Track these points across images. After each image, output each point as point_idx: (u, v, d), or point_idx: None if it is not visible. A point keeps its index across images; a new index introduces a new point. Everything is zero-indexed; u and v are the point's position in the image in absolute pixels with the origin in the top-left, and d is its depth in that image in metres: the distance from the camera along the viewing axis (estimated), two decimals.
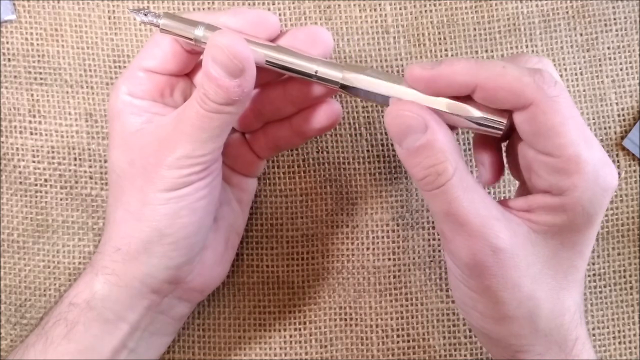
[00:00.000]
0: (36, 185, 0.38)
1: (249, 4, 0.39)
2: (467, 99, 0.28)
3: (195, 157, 0.30)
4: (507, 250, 0.27)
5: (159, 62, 0.31)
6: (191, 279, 0.33)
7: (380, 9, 0.39)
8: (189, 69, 0.33)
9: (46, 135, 0.38)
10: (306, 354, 0.38)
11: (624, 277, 0.38)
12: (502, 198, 0.38)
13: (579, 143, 0.27)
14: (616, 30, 0.39)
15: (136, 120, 0.31)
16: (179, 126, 0.30)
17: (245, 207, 0.37)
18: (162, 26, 0.30)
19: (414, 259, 0.38)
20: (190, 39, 0.30)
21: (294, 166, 0.38)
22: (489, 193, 0.38)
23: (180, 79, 0.33)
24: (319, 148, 0.38)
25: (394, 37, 0.39)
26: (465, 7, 0.39)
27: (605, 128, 0.38)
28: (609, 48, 0.39)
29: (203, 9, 0.39)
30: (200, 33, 0.30)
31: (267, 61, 0.30)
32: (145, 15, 0.30)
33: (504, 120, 0.28)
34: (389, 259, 0.38)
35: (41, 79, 0.38)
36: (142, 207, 0.30)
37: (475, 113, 0.28)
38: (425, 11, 0.39)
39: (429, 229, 0.38)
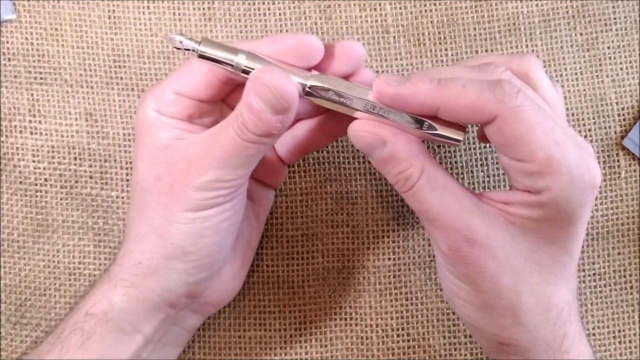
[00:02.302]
0: (36, 184, 0.38)
1: (249, 3, 0.39)
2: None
3: (224, 182, 0.30)
4: (481, 240, 0.29)
5: (190, 90, 0.31)
6: (208, 294, 0.34)
7: (380, 9, 0.39)
8: (221, 97, 0.33)
9: (46, 134, 0.38)
10: (306, 353, 0.38)
11: (624, 276, 0.38)
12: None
13: (549, 147, 0.27)
14: (616, 30, 0.39)
15: (165, 135, 0.31)
16: (211, 150, 0.30)
17: (261, 222, 0.37)
18: (200, 52, 0.29)
19: (414, 258, 0.38)
20: (230, 66, 0.29)
21: (294, 166, 0.38)
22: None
23: (212, 102, 0.33)
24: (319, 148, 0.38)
25: (394, 37, 0.39)
26: (465, 7, 0.39)
27: (605, 128, 0.38)
28: (609, 48, 0.39)
29: (203, 8, 0.39)
30: (241, 61, 0.29)
31: (307, 92, 0.30)
32: (182, 42, 0.29)
33: (460, 138, 0.30)
34: (389, 259, 0.38)
35: (41, 78, 0.38)
36: (167, 224, 0.30)
37: (435, 129, 0.30)
38: (426, 11, 0.39)
39: None
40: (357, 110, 0.30)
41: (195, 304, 0.34)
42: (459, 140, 0.30)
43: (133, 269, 0.31)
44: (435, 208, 0.29)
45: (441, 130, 0.30)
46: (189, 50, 0.29)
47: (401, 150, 0.29)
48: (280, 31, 0.39)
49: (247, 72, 0.29)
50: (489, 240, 0.29)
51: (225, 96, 0.33)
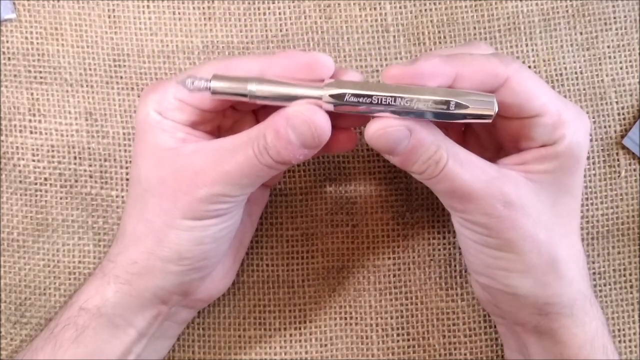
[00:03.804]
0: (36, 184, 0.38)
1: (249, 3, 0.39)
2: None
3: (229, 197, 0.30)
4: (516, 201, 0.29)
5: (193, 99, 0.31)
6: (199, 291, 0.34)
7: (380, 8, 0.39)
8: (225, 107, 0.32)
9: (46, 134, 0.38)
10: (306, 353, 0.38)
11: (624, 275, 0.38)
12: None
13: (555, 100, 0.30)
14: (616, 29, 0.39)
15: (169, 137, 0.31)
16: (223, 164, 0.30)
17: (255, 220, 0.37)
18: (213, 90, 0.29)
19: (413, 257, 0.38)
20: (244, 96, 0.29)
21: (294, 165, 0.38)
22: None
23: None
24: None
25: (394, 36, 0.39)
26: (465, 6, 0.39)
27: (605, 127, 0.38)
28: (608, 47, 0.39)
29: (202, 7, 0.39)
30: (253, 89, 0.29)
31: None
32: (193, 83, 0.29)
33: (492, 112, 0.29)
34: (389, 258, 0.38)
35: (41, 77, 0.38)
36: (166, 229, 0.30)
37: (466, 106, 0.29)
38: (425, 10, 0.39)
39: (428, 228, 0.38)
40: (379, 109, 0.29)
41: (187, 301, 0.34)
42: (490, 116, 0.29)
43: (128, 267, 0.31)
44: (467, 182, 0.29)
45: (472, 107, 0.28)
46: (201, 90, 0.29)
47: (427, 135, 0.29)
48: (280, 30, 0.39)
49: (260, 98, 0.29)
50: (520, 200, 0.29)
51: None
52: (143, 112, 0.31)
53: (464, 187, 0.29)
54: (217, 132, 0.34)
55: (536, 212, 0.30)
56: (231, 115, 0.33)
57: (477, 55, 0.29)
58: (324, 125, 0.29)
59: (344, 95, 0.28)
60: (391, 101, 0.28)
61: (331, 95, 0.28)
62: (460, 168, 0.29)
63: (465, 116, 0.28)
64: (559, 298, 0.31)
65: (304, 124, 0.28)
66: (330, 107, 0.29)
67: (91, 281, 0.32)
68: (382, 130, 0.29)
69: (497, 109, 0.28)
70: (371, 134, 0.29)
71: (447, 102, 0.28)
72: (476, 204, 0.29)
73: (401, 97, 0.28)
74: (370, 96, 0.28)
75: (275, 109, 0.29)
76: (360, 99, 0.28)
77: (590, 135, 0.38)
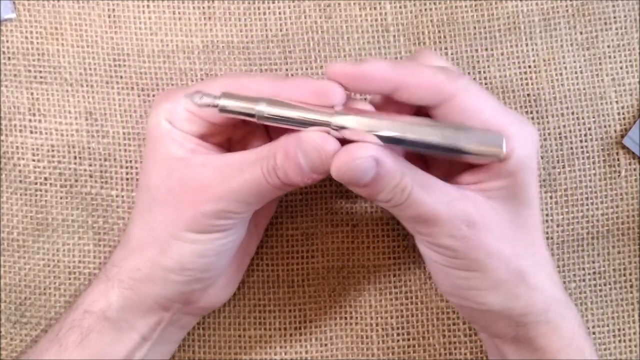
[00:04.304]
0: (36, 183, 0.38)
1: (249, 2, 0.39)
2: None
3: (235, 213, 0.30)
4: (478, 220, 0.30)
5: (204, 113, 0.31)
6: (202, 300, 0.34)
7: (380, 8, 0.39)
8: (235, 121, 0.32)
9: (46, 133, 0.38)
10: (306, 352, 0.38)
11: (624, 275, 0.38)
12: None
13: (499, 115, 0.30)
14: (616, 29, 0.39)
15: (179, 147, 0.31)
16: (231, 181, 0.30)
17: (261, 230, 0.37)
18: (221, 107, 0.29)
19: (414, 257, 0.38)
20: (252, 116, 0.29)
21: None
22: None
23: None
24: None
25: (394, 36, 0.39)
26: (465, 6, 0.39)
27: (605, 126, 0.38)
28: (609, 46, 0.39)
29: (202, 7, 0.39)
30: (262, 109, 0.29)
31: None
32: (201, 98, 0.29)
33: (502, 140, 0.29)
34: (389, 258, 0.38)
35: (41, 77, 0.38)
36: (170, 240, 0.31)
37: (471, 140, 0.29)
38: (425, 10, 0.39)
39: None
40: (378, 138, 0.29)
41: (188, 308, 0.34)
42: (498, 157, 0.29)
43: (131, 273, 0.32)
44: (431, 207, 0.29)
45: (481, 146, 0.29)
46: (209, 106, 0.29)
47: (392, 163, 0.29)
48: (280, 30, 0.39)
49: (268, 119, 0.29)
50: (482, 218, 0.30)
51: None
52: (155, 120, 0.31)
53: (428, 212, 0.29)
54: (228, 144, 0.34)
55: (498, 228, 0.30)
56: (242, 128, 0.33)
57: (425, 68, 0.29)
58: (334, 153, 0.29)
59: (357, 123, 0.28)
60: (399, 136, 0.29)
61: (338, 125, 0.28)
62: (425, 193, 0.29)
63: (470, 153, 0.29)
64: (533, 307, 0.31)
65: (314, 150, 0.28)
66: (338, 134, 0.29)
67: (95, 284, 0.33)
68: (348, 163, 0.28)
69: (505, 150, 0.29)
70: (338, 167, 0.28)
71: (457, 137, 0.29)
72: (441, 227, 0.29)
73: (410, 135, 0.28)
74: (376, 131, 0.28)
75: (285, 129, 0.30)
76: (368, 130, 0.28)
77: (590, 135, 0.38)
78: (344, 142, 0.29)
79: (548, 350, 0.31)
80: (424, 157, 0.34)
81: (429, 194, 0.29)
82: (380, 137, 0.28)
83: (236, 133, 0.34)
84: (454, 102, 0.29)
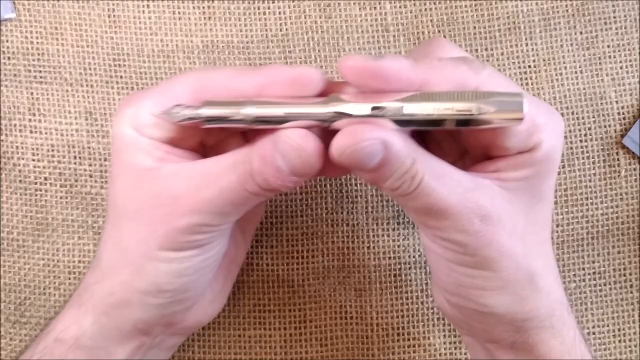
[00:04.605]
0: (36, 183, 0.38)
1: (249, 2, 0.39)
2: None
3: (212, 226, 0.28)
4: (492, 214, 0.27)
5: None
6: (185, 320, 0.32)
7: (380, 8, 0.39)
8: None
9: (46, 133, 0.38)
10: (306, 352, 0.38)
11: (624, 275, 0.38)
12: None
13: (529, 101, 0.27)
14: (616, 29, 0.39)
15: (146, 157, 0.28)
16: (204, 191, 0.27)
17: (248, 238, 0.35)
18: (205, 118, 0.26)
19: (414, 257, 0.38)
20: (239, 121, 0.26)
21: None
22: None
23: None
24: None
25: (394, 36, 0.39)
26: (465, 6, 0.39)
27: (605, 126, 0.38)
28: (608, 46, 0.39)
29: (202, 7, 0.39)
30: (250, 112, 0.26)
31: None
32: (179, 113, 0.26)
33: (522, 98, 0.26)
34: (390, 258, 0.38)
35: (41, 77, 0.38)
36: (143, 260, 0.28)
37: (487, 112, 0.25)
38: (425, 9, 0.39)
39: None
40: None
41: (171, 330, 0.32)
42: (519, 120, 0.26)
43: (105, 298, 0.29)
44: (444, 198, 0.26)
45: (499, 109, 0.25)
46: (192, 119, 0.26)
47: (402, 147, 0.25)
48: (280, 30, 0.39)
49: (260, 122, 0.26)
50: (497, 212, 0.27)
51: None
52: (118, 128, 0.28)
53: (439, 203, 0.26)
54: (202, 148, 0.30)
55: (512, 223, 0.28)
56: (216, 130, 0.29)
57: (446, 61, 0.27)
58: (316, 152, 0.26)
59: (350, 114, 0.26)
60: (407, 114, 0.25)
61: (340, 113, 0.26)
62: (436, 182, 0.26)
63: (490, 121, 0.26)
64: (537, 312, 0.29)
65: (293, 150, 0.26)
66: (341, 124, 0.26)
67: (67, 309, 0.30)
68: (353, 146, 0.25)
69: (527, 110, 0.26)
70: (340, 151, 0.25)
71: (471, 108, 0.25)
72: (452, 221, 0.27)
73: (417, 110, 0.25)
74: (382, 108, 0.25)
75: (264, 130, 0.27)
76: (374, 112, 0.25)
77: (590, 135, 0.38)
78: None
79: (548, 358, 0.29)
80: (434, 140, 0.31)
81: (442, 184, 0.26)
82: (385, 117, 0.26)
83: (210, 136, 0.30)
84: None
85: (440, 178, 0.27)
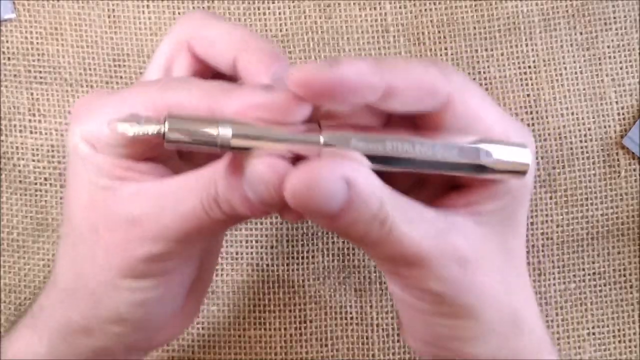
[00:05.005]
0: (36, 184, 0.38)
1: (249, 2, 0.39)
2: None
3: (175, 254, 0.25)
4: (470, 256, 0.24)
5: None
6: (152, 342, 0.29)
7: (380, 8, 0.39)
8: None
9: (46, 134, 0.38)
10: (307, 353, 0.38)
11: (624, 275, 0.38)
12: None
13: (500, 121, 0.24)
14: (616, 29, 0.39)
15: (102, 176, 0.25)
16: (165, 217, 0.24)
17: (214, 258, 0.31)
18: (167, 138, 0.21)
19: None
20: (213, 145, 0.21)
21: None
22: None
23: None
24: None
25: (394, 36, 0.39)
26: (465, 6, 0.39)
27: (605, 127, 0.38)
28: (608, 47, 0.39)
29: (202, 7, 0.39)
30: (226, 133, 0.21)
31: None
32: (134, 125, 0.22)
33: (528, 150, 0.23)
34: None
35: (41, 77, 0.38)
36: (102, 288, 0.25)
37: (491, 154, 0.23)
38: (425, 10, 0.39)
39: None
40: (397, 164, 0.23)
41: (138, 351, 0.29)
42: (524, 173, 0.23)
43: (63, 325, 0.26)
44: (416, 243, 0.23)
45: (504, 157, 0.23)
46: (153, 135, 0.22)
47: (368, 184, 0.22)
48: (280, 30, 0.39)
49: (236, 148, 0.22)
50: (474, 252, 0.24)
51: None
52: (72, 142, 0.25)
53: (412, 250, 0.23)
54: (173, 161, 0.27)
55: (491, 263, 0.25)
56: None
57: (413, 62, 0.23)
58: (282, 182, 0.22)
59: (348, 144, 0.22)
60: (409, 149, 0.22)
61: (329, 144, 0.22)
62: (409, 227, 0.23)
63: (495, 170, 0.23)
64: (522, 352, 0.26)
65: (260, 181, 0.22)
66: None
67: (20, 330, 0.27)
68: (308, 183, 0.21)
69: (531, 163, 0.23)
70: (293, 192, 0.21)
71: (477, 150, 0.23)
72: (427, 269, 0.23)
73: (420, 144, 0.22)
74: (383, 144, 0.22)
75: None
76: (370, 146, 0.22)
77: (590, 135, 0.38)
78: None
79: None
80: (393, 176, 0.25)
81: (414, 228, 0.23)
82: (376, 158, 0.22)
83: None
84: (451, 106, 0.23)
85: (412, 221, 0.23)
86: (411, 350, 0.38)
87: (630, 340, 0.38)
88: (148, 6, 0.39)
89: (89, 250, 0.25)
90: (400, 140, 0.23)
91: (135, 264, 0.24)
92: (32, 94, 0.38)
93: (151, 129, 0.22)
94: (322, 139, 0.22)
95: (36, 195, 0.38)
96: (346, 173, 0.21)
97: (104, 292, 0.25)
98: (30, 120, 0.38)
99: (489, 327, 0.25)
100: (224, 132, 0.21)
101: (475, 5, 0.39)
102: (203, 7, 0.39)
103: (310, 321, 0.38)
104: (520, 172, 0.23)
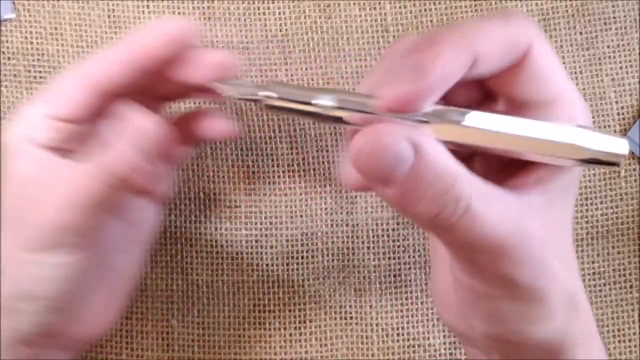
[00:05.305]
0: None
1: (249, 2, 0.39)
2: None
3: (83, 226, 0.26)
4: (546, 238, 0.23)
5: (64, 111, 0.27)
6: (72, 332, 0.29)
7: (380, 8, 0.39)
8: (105, 110, 0.27)
9: None
10: (306, 352, 0.38)
11: (624, 275, 0.38)
12: None
13: (569, 84, 0.23)
14: (616, 29, 0.39)
15: (32, 164, 0.27)
16: (67, 189, 0.26)
17: (139, 246, 0.32)
18: (274, 104, 0.23)
19: (414, 257, 0.38)
20: (310, 114, 0.22)
21: (294, 165, 0.38)
22: None
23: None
24: (319, 147, 0.38)
25: (394, 36, 0.39)
26: (465, 6, 0.39)
27: (605, 127, 0.38)
28: (608, 47, 0.39)
29: (202, 7, 0.39)
30: (328, 103, 0.22)
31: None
32: (247, 89, 0.24)
33: (625, 142, 0.23)
34: (390, 258, 0.38)
35: (41, 77, 0.38)
36: (14, 265, 0.27)
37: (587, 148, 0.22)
38: (425, 10, 0.39)
39: None
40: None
41: (60, 342, 0.29)
42: (618, 163, 0.23)
43: None
44: (498, 226, 0.21)
45: (604, 147, 0.22)
46: (253, 100, 0.23)
47: (439, 154, 0.20)
48: (280, 30, 0.39)
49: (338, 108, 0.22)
50: (548, 234, 0.23)
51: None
52: (7, 134, 0.27)
53: (493, 235, 0.21)
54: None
55: (557, 243, 0.24)
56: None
57: (492, 21, 0.22)
58: (160, 134, 0.25)
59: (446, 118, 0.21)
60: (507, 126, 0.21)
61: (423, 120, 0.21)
62: (486, 208, 0.21)
63: (596, 160, 0.22)
64: (579, 333, 0.25)
65: (137, 131, 0.25)
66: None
67: None
68: (371, 143, 0.20)
69: (627, 153, 0.23)
70: (356, 151, 0.20)
71: (579, 137, 0.22)
72: (507, 256, 0.22)
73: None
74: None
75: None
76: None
77: None
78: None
79: None
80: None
81: (493, 209, 0.21)
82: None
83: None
84: (530, 58, 0.22)
85: (490, 201, 0.21)
86: (411, 350, 0.38)
87: (630, 340, 0.38)
88: (148, 6, 0.39)
89: (6, 232, 0.27)
90: (516, 122, 0.21)
91: (42, 235, 0.26)
92: (32, 94, 0.38)
93: (259, 92, 0.23)
94: (422, 117, 0.21)
95: None
96: (414, 137, 0.20)
97: (14, 267, 0.26)
98: None
99: (553, 309, 0.24)
100: (327, 100, 0.22)
101: (475, 5, 0.39)
102: (203, 7, 0.39)
103: (310, 321, 0.38)
104: (616, 163, 0.23)
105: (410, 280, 0.38)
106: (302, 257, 0.38)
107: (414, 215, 0.21)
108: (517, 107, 0.23)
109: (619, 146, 0.22)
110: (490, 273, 0.23)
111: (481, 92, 0.24)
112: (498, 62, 0.22)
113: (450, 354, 0.38)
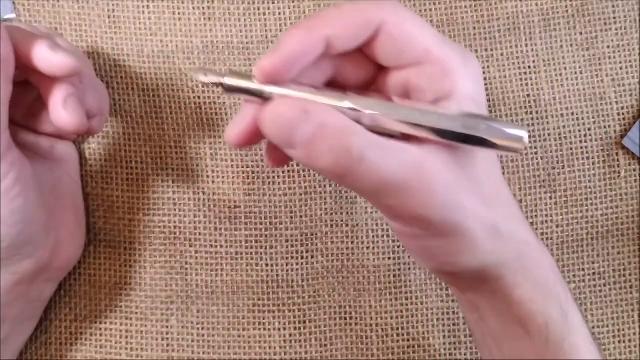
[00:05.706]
0: None
1: (249, 3, 0.39)
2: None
3: None
4: (449, 179, 0.26)
5: None
6: (53, 260, 0.33)
7: None
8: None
9: None
10: (306, 353, 0.38)
11: (624, 276, 0.38)
12: None
13: (438, 43, 0.26)
14: (616, 29, 0.39)
15: None
16: None
17: (73, 176, 0.36)
18: (227, 85, 0.26)
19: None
20: (259, 96, 0.26)
21: (293, 165, 0.38)
22: None
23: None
24: None
25: None
26: (465, 6, 0.39)
27: (605, 127, 0.38)
28: (608, 47, 0.39)
29: (202, 7, 0.39)
30: (272, 90, 0.26)
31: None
32: (206, 74, 0.27)
33: (522, 146, 0.26)
34: (389, 258, 0.38)
35: None
36: None
37: (492, 132, 0.25)
38: (425, 10, 0.39)
39: None
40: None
41: (46, 274, 0.33)
42: (520, 149, 0.26)
43: None
44: (393, 171, 0.25)
45: (502, 133, 0.25)
46: (215, 84, 0.27)
47: (329, 115, 0.24)
48: (280, 30, 0.39)
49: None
50: (451, 174, 0.26)
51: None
52: None
53: (390, 178, 0.25)
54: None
55: (469, 183, 0.26)
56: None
57: (343, 5, 0.26)
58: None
59: (367, 108, 0.26)
60: (419, 118, 0.26)
61: (352, 108, 0.26)
62: (381, 154, 0.24)
63: (494, 145, 0.26)
64: (507, 257, 0.28)
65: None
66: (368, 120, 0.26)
67: None
68: (273, 112, 0.24)
69: (527, 142, 0.26)
70: (265, 119, 0.25)
71: (478, 124, 0.25)
72: (410, 196, 0.25)
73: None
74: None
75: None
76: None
77: (589, 135, 0.38)
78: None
79: (522, 301, 0.28)
80: (340, 86, 0.29)
81: (388, 156, 0.25)
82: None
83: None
84: (386, 32, 0.26)
85: (384, 150, 0.25)
86: (411, 350, 0.38)
87: (630, 340, 0.38)
88: (148, 6, 0.39)
89: None
90: (411, 109, 0.26)
91: None
92: None
93: (215, 78, 0.27)
94: (347, 104, 0.26)
95: None
96: (305, 105, 0.24)
97: None
98: None
99: (474, 240, 0.27)
100: (271, 88, 0.26)
101: (475, 6, 0.39)
102: (203, 8, 0.39)
103: (310, 321, 0.38)
104: (516, 150, 0.26)
105: (410, 281, 0.38)
106: (302, 257, 0.38)
107: (319, 169, 0.25)
108: (393, 72, 0.27)
109: (518, 134, 0.26)
110: (404, 214, 0.26)
111: (376, 66, 0.28)
112: (353, 40, 0.26)
113: (450, 354, 0.38)
